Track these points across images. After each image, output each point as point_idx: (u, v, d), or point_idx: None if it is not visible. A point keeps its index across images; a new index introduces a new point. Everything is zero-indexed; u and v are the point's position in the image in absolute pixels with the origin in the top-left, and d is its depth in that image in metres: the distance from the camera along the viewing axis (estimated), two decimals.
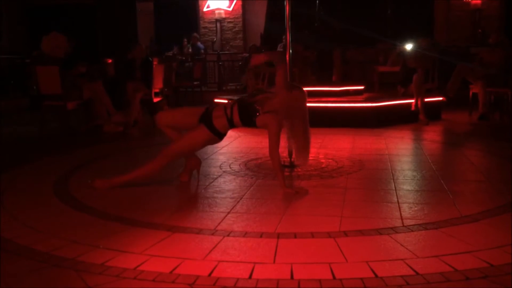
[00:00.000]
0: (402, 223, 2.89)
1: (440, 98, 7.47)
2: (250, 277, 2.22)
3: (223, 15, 14.51)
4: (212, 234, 2.77)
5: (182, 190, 3.81)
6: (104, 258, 2.43)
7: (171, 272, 2.27)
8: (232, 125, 3.68)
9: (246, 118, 3.63)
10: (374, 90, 8.95)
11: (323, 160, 4.68)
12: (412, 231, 2.77)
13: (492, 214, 3.01)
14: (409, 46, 7.68)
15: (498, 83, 7.09)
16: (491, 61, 7.40)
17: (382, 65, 9.66)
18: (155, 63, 7.12)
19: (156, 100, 7.18)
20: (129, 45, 7.53)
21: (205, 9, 14.63)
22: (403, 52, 7.85)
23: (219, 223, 2.94)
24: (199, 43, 13.42)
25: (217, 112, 3.65)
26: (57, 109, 6.46)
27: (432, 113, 7.13)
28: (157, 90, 7.27)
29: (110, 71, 7.57)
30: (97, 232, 2.83)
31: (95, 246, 2.59)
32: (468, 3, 13.19)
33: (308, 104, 7.17)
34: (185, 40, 13.37)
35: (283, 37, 9.12)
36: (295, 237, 2.70)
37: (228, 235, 2.74)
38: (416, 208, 3.19)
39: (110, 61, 7.62)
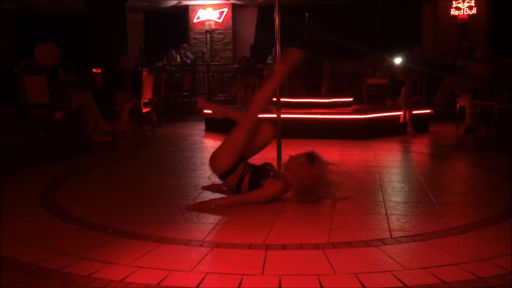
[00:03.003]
0: (391, 234, 2.90)
1: (428, 111, 7.54)
2: None
3: (213, 26, 14.57)
4: (200, 245, 2.76)
5: (170, 200, 3.79)
6: (91, 270, 2.40)
7: (158, 283, 2.25)
8: (239, 186, 3.64)
9: (254, 181, 3.57)
10: (363, 102, 9.02)
11: None
12: (400, 243, 2.78)
13: (479, 226, 3.03)
14: (398, 60, 7.76)
15: (484, 96, 7.18)
16: (477, 75, 7.50)
17: (370, 78, 9.75)
18: (144, 73, 7.12)
19: (145, 110, 7.16)
20: (119, 55, 7.52)
21: (195, 20, 14.69)
22: (391, 65, 7.93)
23: (207, 234, 2.93)
24: (189, 54, 13.45)
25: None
26: (45, 118, 6.41)
27: (420, 125, 7.19)
28: (146, 101, 7.26)
29: (99, 81, 7.54)
30: (84, 243, 2.80)
31: (82, 257, 2.56)
32: (455, 17, 13.40)
33: (297, 116, 7.20)
34: (173, 51, 13.37)
35: (273, 48, 9.18)
36: (284, 248, 2.70)
37: (216, 247, 2.73)
38: (404, 220, 3.20)
39: (99, 71, 7.60)
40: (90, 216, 3.32)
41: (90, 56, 9.47)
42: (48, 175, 4.62)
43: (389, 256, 2.56)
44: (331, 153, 5.77)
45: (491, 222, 3.10)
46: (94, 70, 7.67)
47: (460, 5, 13.32)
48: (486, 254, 2.56)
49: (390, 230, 2.98)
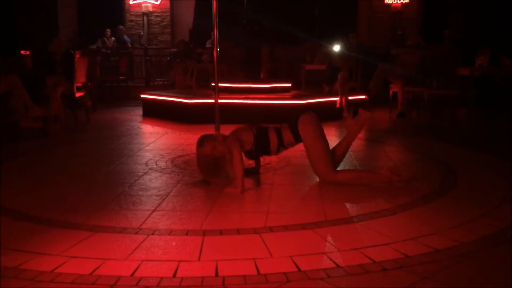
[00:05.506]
0: (325, 217, 2.97)
1: (363, 96, 7.76)
2: (174, 275, 2.19)
3: (150, 9, 14.19)
4: (136, 233, 2.71)
5: (105, 188, 3.68)
6: (19, 261, 2.30)
7: (91, 273, 2.19)
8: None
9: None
10: (301, 88, 9.14)
11: None
12: (335, 225, 2.85)
13: (409, 207, 3.17)
14: (336, 47, 7.91)
15: (415, 83, 7.48)
16: (409, 62, 7.79)
17: (309, 64, 9.89)
18: (77, 56, 6.83)
19: (78, 94, 6.89)
20: (49, 37, 7.17)
21: (131, 2, 14.22)
22: (329, 52, 8.08)
23: (143, 222, 2.88)
24: (125, 36, 13.03)
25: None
26: None
27: (356, 110, 7.38)
28: (79, 84, 6.99)
29: (28, 64, 7.17)
30: (11, 233, 2.67)
31: (10, 248, 2.45)
32: (389, 6, 13.81)
33: (236, 101, 7.21)
34: (108, 31, 12.89)
35: (212, 33, 9.12)
36: (221, 234, 2.70)
37: (152, 234, 2.69)
38: (338, 203, 3.29)
39: (27, 53, 7.22)
40: (19, 205, 3.17)
41: (18, 37, 8.95)
42: None
43: (323, 238, 2.63)
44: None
45: (419, 203, 3.25)
46: (22, 51, 7.27)
47: None
48: (414, 234, 2.68)
49: (325, 213, 3.05)
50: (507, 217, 2.95)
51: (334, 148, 3.96)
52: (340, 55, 7.79)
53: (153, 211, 3.09)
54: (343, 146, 3.96)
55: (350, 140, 3.98)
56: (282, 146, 3.79)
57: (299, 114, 3.84)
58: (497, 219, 2.92)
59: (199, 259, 2.36)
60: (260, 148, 3.77)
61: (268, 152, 3.81)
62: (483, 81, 7.51)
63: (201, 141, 3.69)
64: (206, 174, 3.74)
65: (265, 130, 3.79)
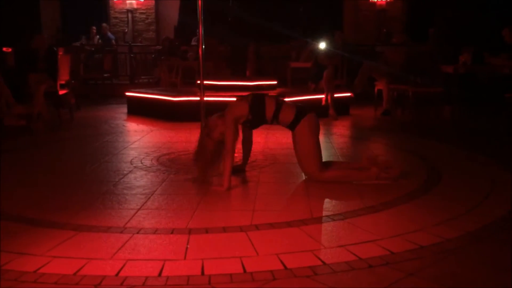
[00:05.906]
0: (311, 215, 2.98)
1: (348, 94, 7.79)
2: (159, 274, 2.17)
3: (135, 6, 14.07)
4: (121, 232, 2.68)
5: (90, 186, 3.64)
6: (1, 262, 2.27)
7: (75, 273, 2.16)
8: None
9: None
10: (287, 85, 9.14)
11: (236, 155, 4.68)
12: (321, 222, 2.86)
13: (394, 204, 3.19)
14: (322, 44, 7.92)
15: (400, 81, 7.52)
16: (394, 60, 7.83)
17: (294, 61, 9.90)
18: (60, 53, 6.74)
19: (62, 92, 6.81)
20: (32, 34, 7.07)
21: None
22: (315, 49, 8.08)
23: (128, 221, 2.85)
24: (109, 34, 12.91)
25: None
26: None
27: (341, 108, 7.41)
28: (63, 82, 6.90)
29: (10, 61, 7.06)
30: None
31: None
32: (374, 4, 13.88)
33: (221, 99, 7.19)
34: (94, 28, 12.78)
35: (197, 30, 9.06)
36: (207, 232, 2.69)
37: (137, 233, 2.67)
38: (324, 200, 3.30)
39: (9, 50, 7.10)
40: (2, 205, 3.11)
41: (0, 34, 8.81)
42: None
43: (310, 236, 2.63)
44: (255, 136, 5.78)
45: (404, 200, 3.27)
46: (4, 49, 7.16)
47: None
48: (399, 230, 2.70)
49: (311, 210, 3.06)
50: (490, 213, 2.98)
51: (332, 162, 3.94)
52: (326, 52, 7.80)
53: (138, 209, 3.06)
54: (342, 167, 3.86)
55: (353, 168, 3.87)
56: (275, 119, 3.71)
57: (310, 109, 3.88)
58: (481, 215, 2.95)
59: (184, 258, 2.35)
60: (257, 115, 3.68)
61: (264, 120, 3.73)
62: (467, 79, 7.59)
63: (208, 129, 3.70)
64: (203, 167, 3.67)
65: (262, 96, 3.76)
